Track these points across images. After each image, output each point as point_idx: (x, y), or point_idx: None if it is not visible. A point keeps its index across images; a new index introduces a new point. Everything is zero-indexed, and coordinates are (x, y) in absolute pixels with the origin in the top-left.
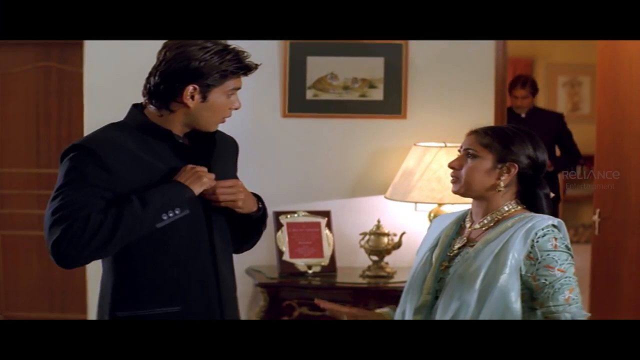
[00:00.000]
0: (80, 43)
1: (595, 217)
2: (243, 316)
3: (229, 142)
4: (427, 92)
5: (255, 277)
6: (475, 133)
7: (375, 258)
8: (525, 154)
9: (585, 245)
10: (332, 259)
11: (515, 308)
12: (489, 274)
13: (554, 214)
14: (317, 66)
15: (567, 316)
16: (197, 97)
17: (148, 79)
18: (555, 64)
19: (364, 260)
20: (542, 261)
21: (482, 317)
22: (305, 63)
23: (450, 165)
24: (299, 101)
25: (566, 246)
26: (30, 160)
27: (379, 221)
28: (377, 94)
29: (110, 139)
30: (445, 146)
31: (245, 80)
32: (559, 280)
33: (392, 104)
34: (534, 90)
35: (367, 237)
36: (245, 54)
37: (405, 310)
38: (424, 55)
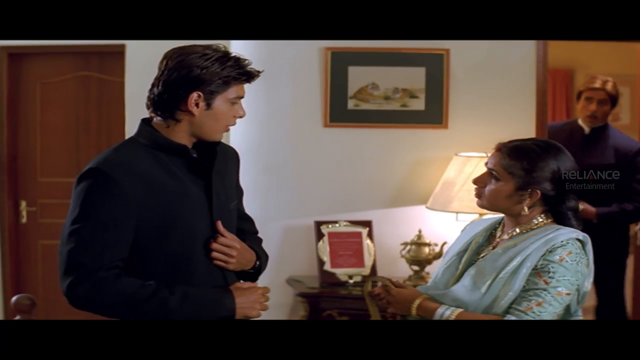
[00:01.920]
0: (121, 52)
1: (637, 228)
2: None
3: (230, 152)
4: (468, 102)
5: (296, 287)
6: (499, 152)
7: (416, 268)
8: (548, 178)
9: None
10: (373, 268)
11: (495, 312)
12: (497, 276)
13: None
14: (358, 76)
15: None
16: (201, 104)
17: (151, 90)
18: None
19: (405, 270)
20: (538, 268)
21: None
22: (347, 73)
23: (474, 182)
24: (340, 111)
25: (577, 263)
26: (70, 170)
27: (420, 231)
28: (418, 104)
29: (125, 160)
30: (487, 156)
31: (287, 90)
32: (536, 289)
33: (433, 114)
34: (616, 96)
35: (408, 247)
36: (247, 61)
37: None
38: (465, 65)
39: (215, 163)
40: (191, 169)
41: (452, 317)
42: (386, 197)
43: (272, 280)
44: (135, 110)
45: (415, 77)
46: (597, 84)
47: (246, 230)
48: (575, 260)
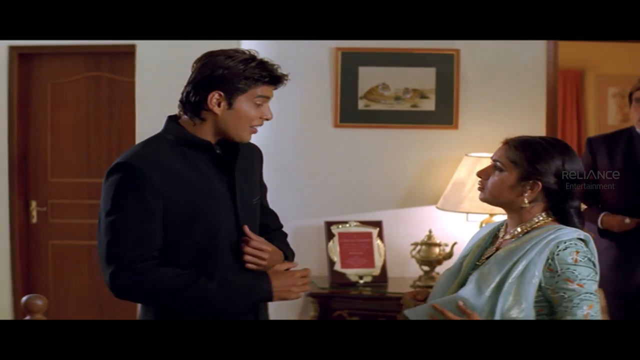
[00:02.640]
0: (132, 52)
1: None
2: None
3: (253, 150)
4: (479, 103)
5: None
6: (506, 145)
7: (426, 268)
8: (551, 172)
9: None
10: (383, 269)
11: (508, 316)
12: (501, 281)
13: None
14: (369, 76)
15: None
16: (223, 104)
17: (183, 90)
18: (605, 75)
19: (415, 271)
20: (561, 274)
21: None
22: (357, 73)
23: (478, 174)
24: (350, 111)
25: (589, 260)
26: (81, 170)
27: (430, 231)
28: (429, 105)
29: (153, 155)
30: None
31: (297, 90)
32: (578, 295)
33: (443, 114)
34: None
35: (418, 248)
36: (275, 65)
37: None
38: (475, 65)
39: (238, 159)
40: (215, 164)
41: None
42: (396, 198)
43: None
44: (146, 110)
45: (425, 78)
46: None
47: (270, 225)
48: (586, 257)
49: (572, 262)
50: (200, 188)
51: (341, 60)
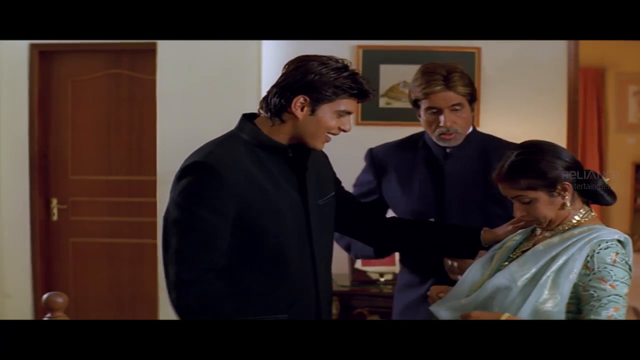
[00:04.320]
0: (153, 50)
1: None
2: None
3: (319, 155)
4: (500, 101)
5: None
6: (505, 182)
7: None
8: (561, 169)
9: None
10: None
11: (541, 309)
12: (538, 273)
13: None
14: (390, 74)
15: None
16: (306, 109)
17: (270, 90)
18: (625, 73)
19: None
20: (597, 272)
21: (521, 315)
22: (378, 71)
23: (524, 223)
24: (371, 109)
25: (627, 263)
26: (101, 167)
27: None
28: None
29: (228, 156)
30: None
31: None
32: (608, 295)
33: None
34: (468, 92)
35: None
36: (365, 80)
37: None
38: (496, 64)
39: (308, 162)
40: (287, 168)
41: None
42: None
43: None
44: (167, 108)
45: None
46: (436, 86)
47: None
48: (624, 260)
49: (610, 262)
50: (272, 192)
51: (362, 58)
